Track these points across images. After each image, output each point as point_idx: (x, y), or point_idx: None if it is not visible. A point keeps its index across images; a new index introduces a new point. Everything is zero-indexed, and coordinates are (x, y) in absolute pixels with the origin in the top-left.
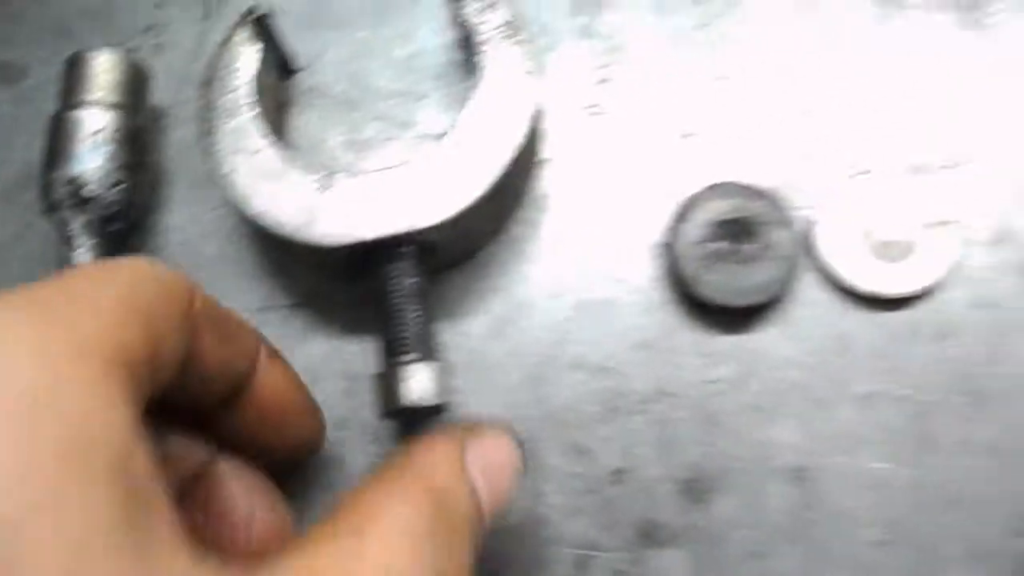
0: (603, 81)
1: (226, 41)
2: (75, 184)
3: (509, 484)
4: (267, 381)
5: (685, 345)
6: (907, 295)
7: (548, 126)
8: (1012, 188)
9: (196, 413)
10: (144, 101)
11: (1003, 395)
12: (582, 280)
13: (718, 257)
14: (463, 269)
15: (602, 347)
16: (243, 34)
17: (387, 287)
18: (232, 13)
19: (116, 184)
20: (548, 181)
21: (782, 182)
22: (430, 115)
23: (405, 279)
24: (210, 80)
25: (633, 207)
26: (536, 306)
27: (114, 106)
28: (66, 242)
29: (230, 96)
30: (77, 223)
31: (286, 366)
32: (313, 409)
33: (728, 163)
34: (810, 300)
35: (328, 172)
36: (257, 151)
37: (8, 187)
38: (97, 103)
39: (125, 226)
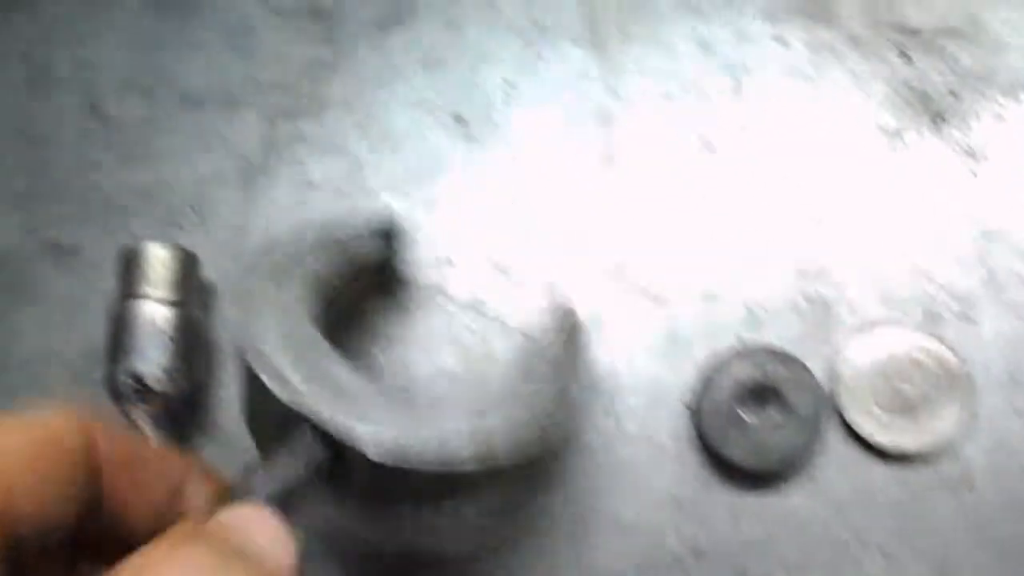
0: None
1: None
2: (137, 377)
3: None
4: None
5: (716, 504)
6: (927, 449)
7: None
8: None
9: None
10: (197, 286)
11: None
12: (613, 439)
13: (744, 421)
14: None
15: (634, 505)
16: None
17: None
18: (274, 191)
19: (175, 375)
20: None
21: (801, 340)
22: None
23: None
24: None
25: (660, 367)
26: (567, 465)
27: (169, 300)
28: (132, 427)
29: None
30: (139, 412)
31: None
32: None
33: (748, 324)
34: (835, 456)
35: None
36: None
37: (76, 366)
38: (154, 298)
39: (184, 409)
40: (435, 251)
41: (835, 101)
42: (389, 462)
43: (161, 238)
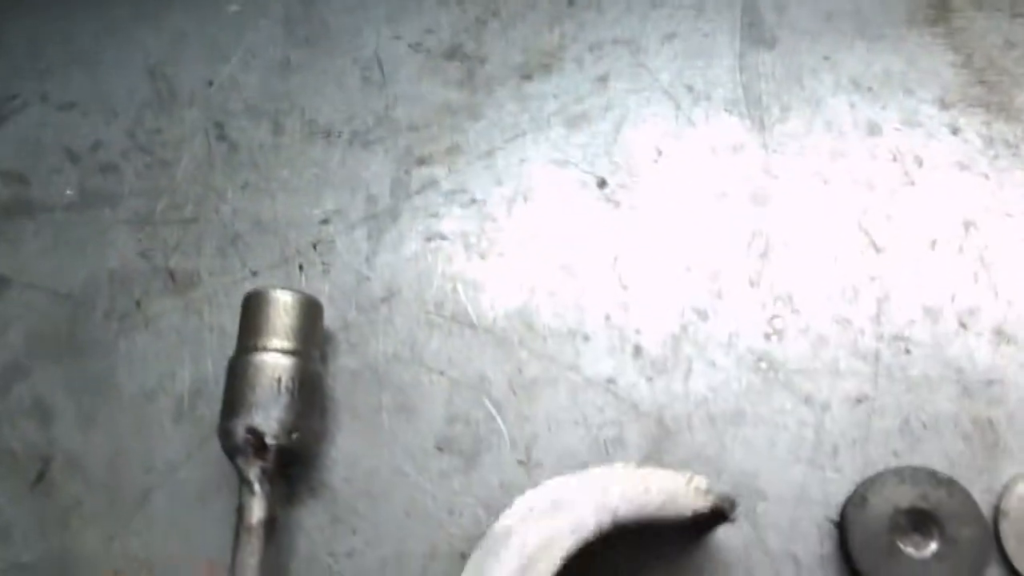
0: (772, 333)
1: None
2: (256, 433)
3: None
4: None
5: None
6: None
7: (716, 380)
8: None
9: None
10: (319, 338)
11: None
12: (751, 555)
13: (899, 550)
14: None
15: None
16: None
17: None
18: (401, 237)
19: (293, 431)
20: (709, 442)
21: (964, 466)
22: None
23: None
24: None
25: (807, 475)
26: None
27: (294, 352)
28: (244, 483)
29: None
30: (255, 469)
31: None
32: None
33: (905, 439)
34: None
35: None
36: None
37: (180, 403)
38: (278, 349)
39: (296, 465)
40: (567, 323)
41: (1011, 203)
42: None
43: (280, 276)
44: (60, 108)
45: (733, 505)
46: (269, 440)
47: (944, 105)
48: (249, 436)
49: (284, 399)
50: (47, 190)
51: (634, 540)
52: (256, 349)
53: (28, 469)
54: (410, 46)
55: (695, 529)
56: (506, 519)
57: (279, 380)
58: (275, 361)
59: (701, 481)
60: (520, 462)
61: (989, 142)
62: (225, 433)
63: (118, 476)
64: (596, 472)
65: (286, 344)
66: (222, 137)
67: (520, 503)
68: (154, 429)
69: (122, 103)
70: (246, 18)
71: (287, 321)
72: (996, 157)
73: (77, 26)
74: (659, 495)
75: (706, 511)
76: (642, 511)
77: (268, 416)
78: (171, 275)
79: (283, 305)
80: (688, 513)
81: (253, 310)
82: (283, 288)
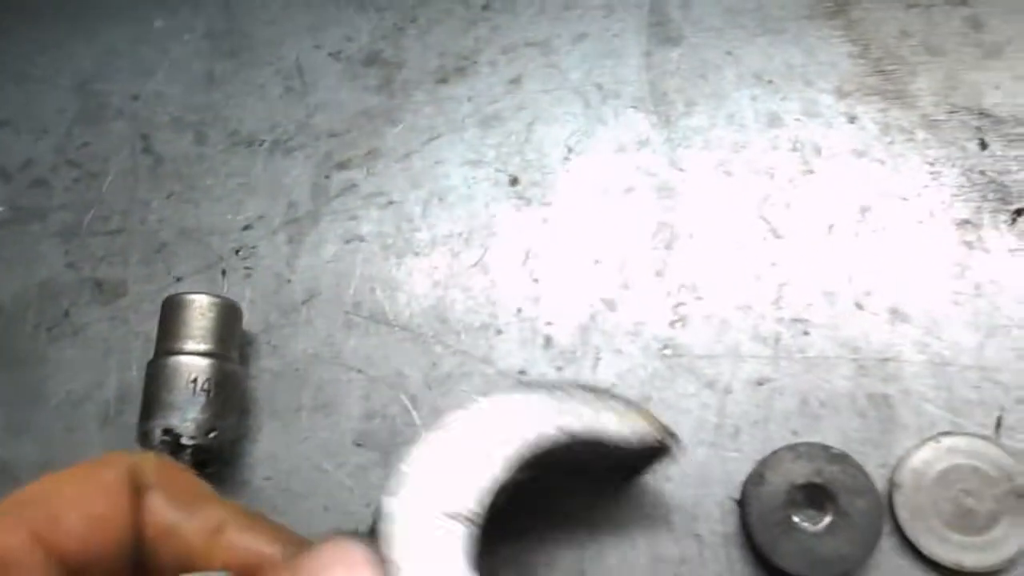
0: (677, 320)
1: None
2: (172, 434)
3: None
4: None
5: None
6: (989, 568)
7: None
8: None
9: None
10: (237, 341)
11: None
12: (657, 535)
13: (796, 525)
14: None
15: None
16: None
17: None
18: (321, 241)
19: (210, 431)
20: None
21: (860, 441)
22: (509, 349)
23: None
24: None
25: (709, 456)
26: (611, 558)
27: (210, 354)
28: None
29: None
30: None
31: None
32: None
33: (804, 418)
34: (890, 569)
35: None
36: None
37: (106, 409)
38: (194, 352)
39: (215, 463)
40: (480, 317)
41: (906, 187)
42: None
43: (204, 282)
44: None
45: (677, 440)
46: (185, 440)
47: (842, 95)
48: (166, 437)
49: (200, 399)
50: None
51: (561, 482)
52: (173, 352)
53: None
54: (330, 54)
55: (634, 465)
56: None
57: (195, 381)
58: (191, 363)
59: (657, 417)
60: None
61: (885, 129)
62: (143, 435)
63: None
64: (547, 393)
65: (202, 346)
66: (148, 150)
67: (472, 408)
68: (82, 435)
69: (52, 119)
70: (171, 32)
71: (203, 324)
72: (892, 143)
73: (9, 44)
74: (611, 415)
75: (655, 441)
76: (594, 430)
77: (184, 417)
78: (98, 285)
79: (199, 308)
80: (634, 440)
81: (170, 314)
82: (200, 292)
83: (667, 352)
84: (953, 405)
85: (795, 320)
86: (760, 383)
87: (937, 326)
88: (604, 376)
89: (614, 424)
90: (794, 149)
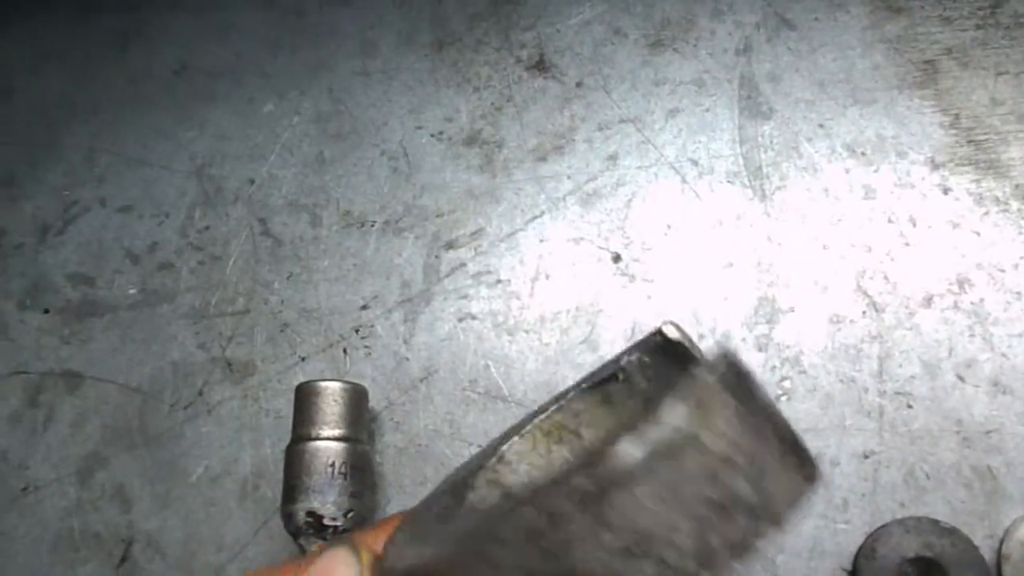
0: (782, 394)
1: None
2: (315, 516)
3: None
4: None
5: None
6: None
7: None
8: None
9: None
10: (365, 422)
11: None
12: None
13: None
14: None
15: None
16: None
17: None
18: (435, 320)
19: (348, 512)
20: None
21: (966, 513)
22: None
23: None
24: None
25: (819, 528)
26: None
27: (344, 438)
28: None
29: None
30: (315, 547)
31: None
32: None
33: (911, 490)
34: None
35: None
36: None
37: (244, 484)
38: (329, 437)
39: None
40: None
41: (1002, 258)
42: None
43: (327, 361)
44: (118, 211)
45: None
46: (327, 521)
47: (935, 165)
48: (309, 519)
49: (338, 483)
50: (111, 290)
51: None
52: (310, 438)
53: (113, 551)
54: (432, 135)
55: None
56: None
57: (332, 465)
58: (328, 447)
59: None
60: None
61: (979, 199)
62: (287, 516)
63: (193, 555)
64: None
65: (336, 431)
66: (266, 232)
67: None
68: (222, 510)
69: (173, 203)
70: (280, 116)
71: (336, 409)
72: (986, 214)
73: (127, 132)
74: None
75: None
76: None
77: (325, 500)
78: (228, 365)
79: (331, 395)
80: None
81: (304, 401)
82: (330, 378)
83: None
84: None
85: (898, 393)
86: (866, 456)
87: None
88: None
89: None
90: (890, 221)
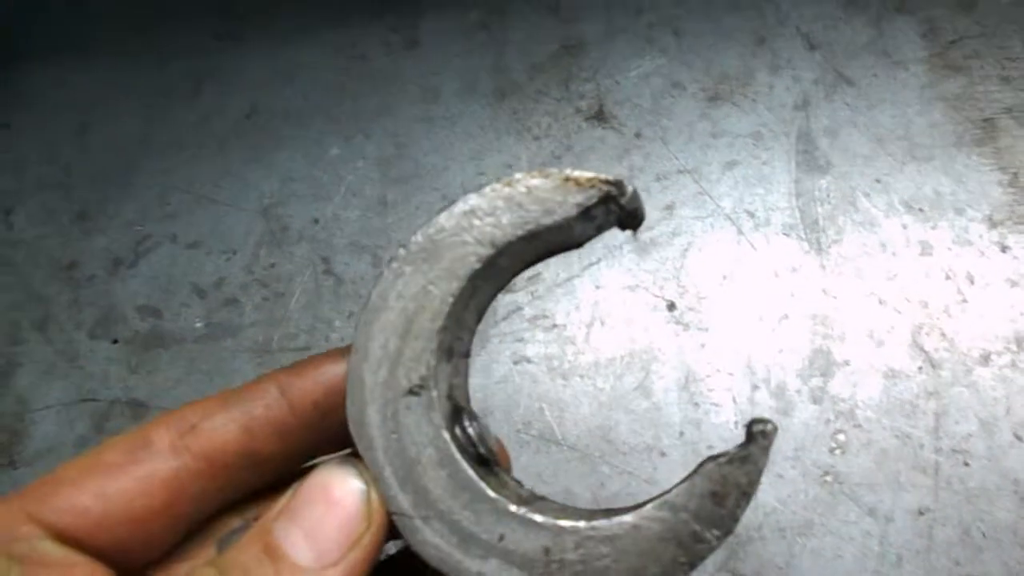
0: (836, 448)
1: None
2: None
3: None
4: None
5: None
6: None
7: (785, 492)
8: None
9: None
10: None
11: None
12: None
13: None
14: None
15: None
16: None
17: None
18: (492, 362)
19: None
20: (779, 552)
21: (1022, 574)
22: (672, 471)
23: None
24: None
25: None
26: None
27: None
28: None
29: None
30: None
31: None
32: None
33: (966, 549)
34: None
35: None
36: None
37: None
38: None
39: None
40: (644, 439)
41: None
42: None
43: None
44: (187, 247)
45: (622, 187)
46: None
47: (993, 223)
48: None
49: None
50: (178, 323)
51: None
52: None
53: None
54: (493, 177)
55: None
56: (382, 284)
57: None
58: None
59: (581, 173)
60: None
61: None
62: None
63: None
64: (459, 208)
65: None
66: (328, 271)
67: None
68: None
69: (240, 241)
70: (345, 160)
71: None
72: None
73: (199, 170)
74: (535, 203)
75: (594, 201)
76: (522, 227)
77: None
78: None
79: None
80: (573, 211)
81: None
82: None
83: (827, 479)
84: None
85: (954, 451)
86: (921, 512)
87: None
88: (765, 499)
89: (543, 208)
90: (947, 278)
